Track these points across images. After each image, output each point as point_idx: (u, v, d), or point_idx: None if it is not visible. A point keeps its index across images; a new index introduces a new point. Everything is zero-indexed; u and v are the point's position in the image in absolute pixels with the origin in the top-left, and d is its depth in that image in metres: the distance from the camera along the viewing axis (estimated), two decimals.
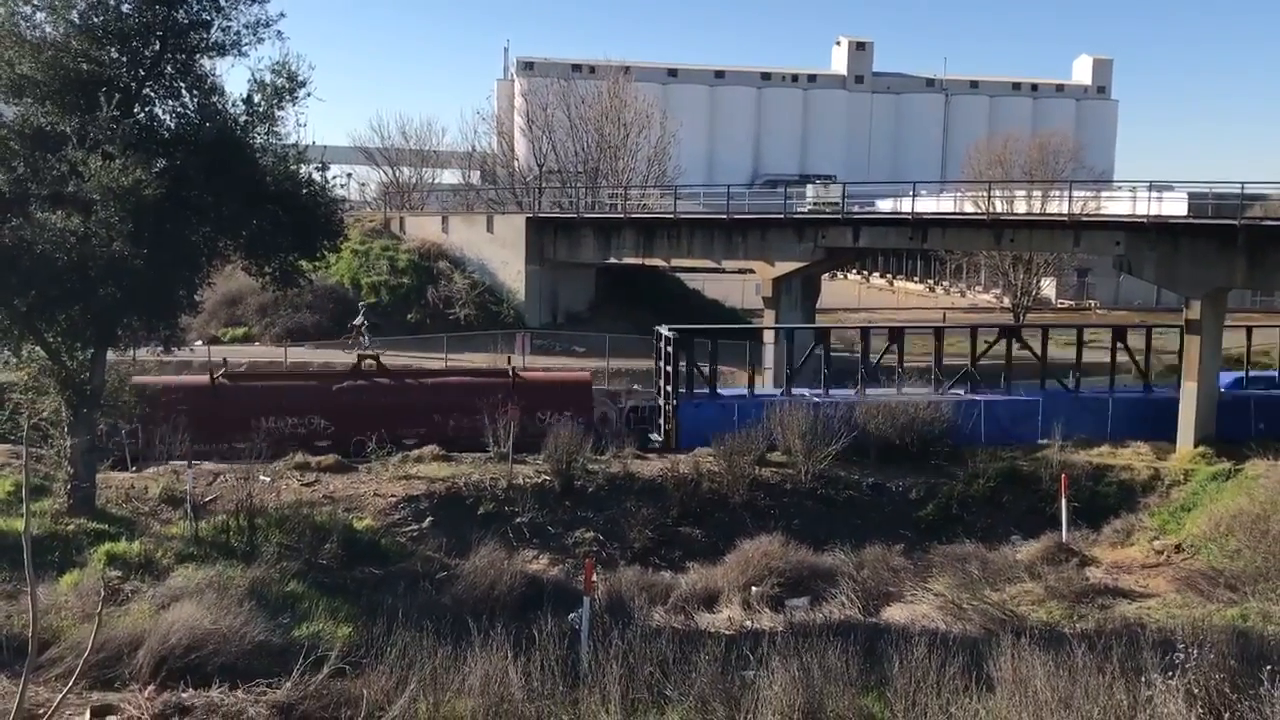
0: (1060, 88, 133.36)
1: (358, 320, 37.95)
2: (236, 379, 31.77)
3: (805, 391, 32.99)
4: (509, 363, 35.28)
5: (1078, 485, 27.56)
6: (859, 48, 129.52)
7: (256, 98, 21.33)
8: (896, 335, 35.67)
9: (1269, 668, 11.07)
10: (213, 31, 21.08)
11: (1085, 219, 37.21)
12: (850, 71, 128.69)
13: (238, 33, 21.19)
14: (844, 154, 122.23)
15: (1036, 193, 50.64)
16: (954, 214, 45.10)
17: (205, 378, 30.80)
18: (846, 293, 78.93)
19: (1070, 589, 21.79)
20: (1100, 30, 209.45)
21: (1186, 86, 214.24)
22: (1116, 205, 40.37)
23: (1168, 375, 36.65)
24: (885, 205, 53.07)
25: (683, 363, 32.88)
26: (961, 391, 33.52)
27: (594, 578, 18.81)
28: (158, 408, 26.41)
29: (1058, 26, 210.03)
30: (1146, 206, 35.13)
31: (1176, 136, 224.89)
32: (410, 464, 27.72)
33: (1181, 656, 11.57)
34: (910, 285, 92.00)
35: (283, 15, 21.42)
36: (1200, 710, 11.14)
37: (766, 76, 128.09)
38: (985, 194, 47.42)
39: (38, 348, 21.23)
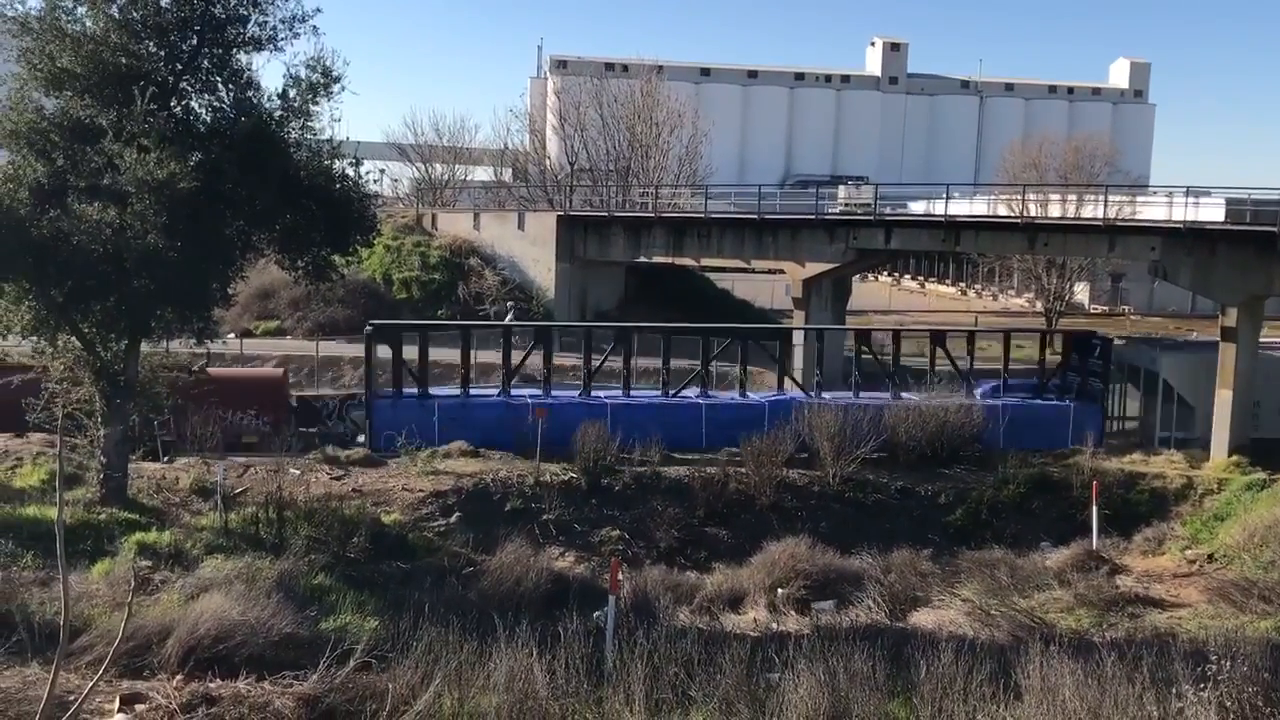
0: (1096, 91, 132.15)
1: (508, 318, 38.53)
2: None
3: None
4: None
5: (1109, 492, 27.30)
6: (893, 49, 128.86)
7: (291, 93, 21.48)
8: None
9: None
10: (249, 26, 21.26)
11: (1120, 223, 36.82)
12: (884, 72, 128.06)
13: (274, 28, 21.38)
14: (876, 155, 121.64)
15: (1071, 196, 50.13)
16: (987, 217, 44.71)
17: None
18: (877, 295, 78.58)
19: (1100, 597, 21.57)
20: (1138, 33, 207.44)
21: (1225, 91, 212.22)
22: (1152, 210, 39.92)
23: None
24: (918, 207, 52.72)
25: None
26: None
27: (620, 577, 18.80)
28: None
29: (1094, 29, 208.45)
30: (1183, 212, 34.71)
31: (1214, 142, 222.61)
32: (439, 459, 27.83)
33: (1214, 668, 11.41)
34: (942, 288, 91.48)
35: (319, 11, 21.60)
36: None
37: (800, 77, 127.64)
38: (1019, 197, 46.99)
39: (73, 338, 21.46)
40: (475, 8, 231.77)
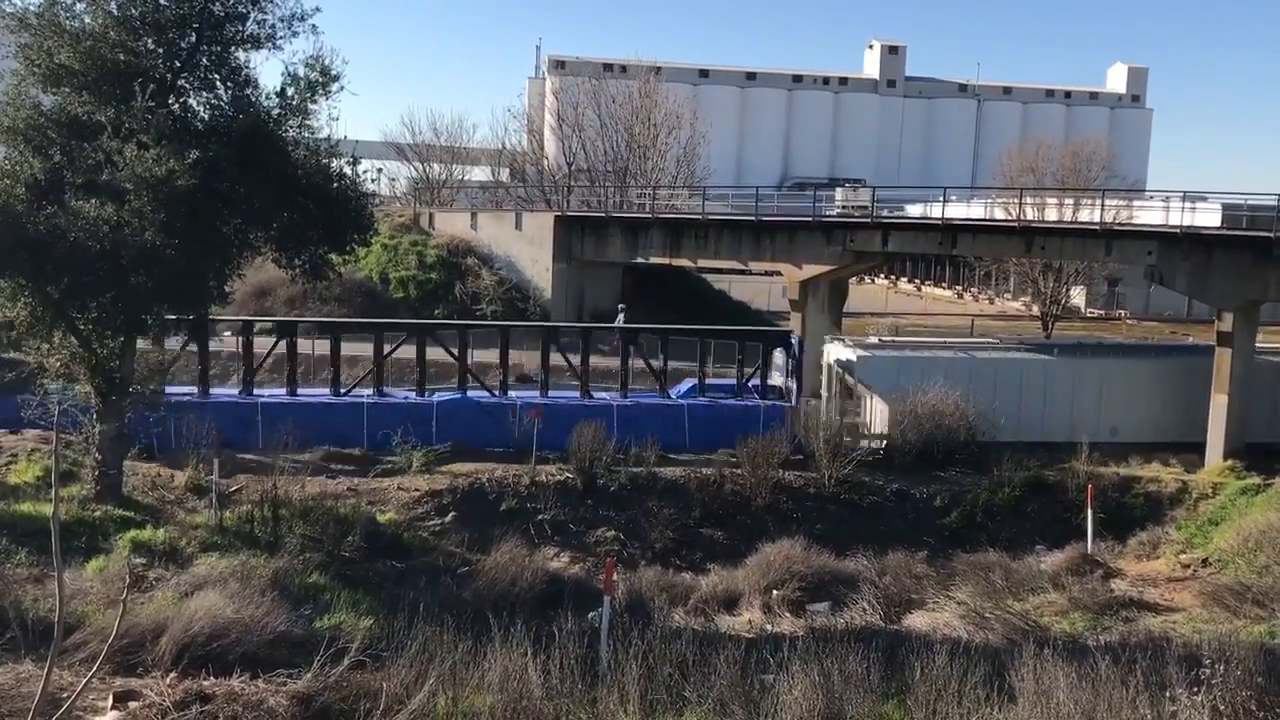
0: (1094, 95, 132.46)
1: (619, 320, 38.70)
2: None
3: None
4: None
5: (1104, 496, 27.34)
6: (891, 51, 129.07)
7: (290, 91, 21.46)
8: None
9: None
10: (248, 24, 21.24)
11: (1117, 227, 36.91)
12: (882, 75, 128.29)
13: (273, 26, 21.35)
14: (874, 158, 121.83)
15: (1068, 200, 50.26)
16: (984, 220, 44.78)
17: None
18: (874, 298, 78.64)
19: (1095, 601, 21.60)
20: (1135, 38, 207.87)
21: (1222, 96, 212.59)
22: (1149, 215, 40.03)
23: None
24: (915, 210, 52.85)
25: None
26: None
27: (615, 577, 18.80)
28: None
29: (1092, 34, 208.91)
30: (1180, 217, 34.81)
31: (1211, 147, 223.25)
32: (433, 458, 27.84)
33: (1207, 672, 11.41)
34: (939, 291, 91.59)
35: (318, 9, 21.59)
36: None
37: (798, 79, 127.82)
38: (1016, 200, 47.09)
39: (69, 335, 21.43)
40: (474, 8, 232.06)
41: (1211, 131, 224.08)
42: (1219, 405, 32.17)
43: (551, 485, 26.51)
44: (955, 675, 12.00)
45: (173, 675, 13.47)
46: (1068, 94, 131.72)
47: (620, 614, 17.51)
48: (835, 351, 34.83)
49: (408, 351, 33.09)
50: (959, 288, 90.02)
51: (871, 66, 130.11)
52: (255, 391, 30.75)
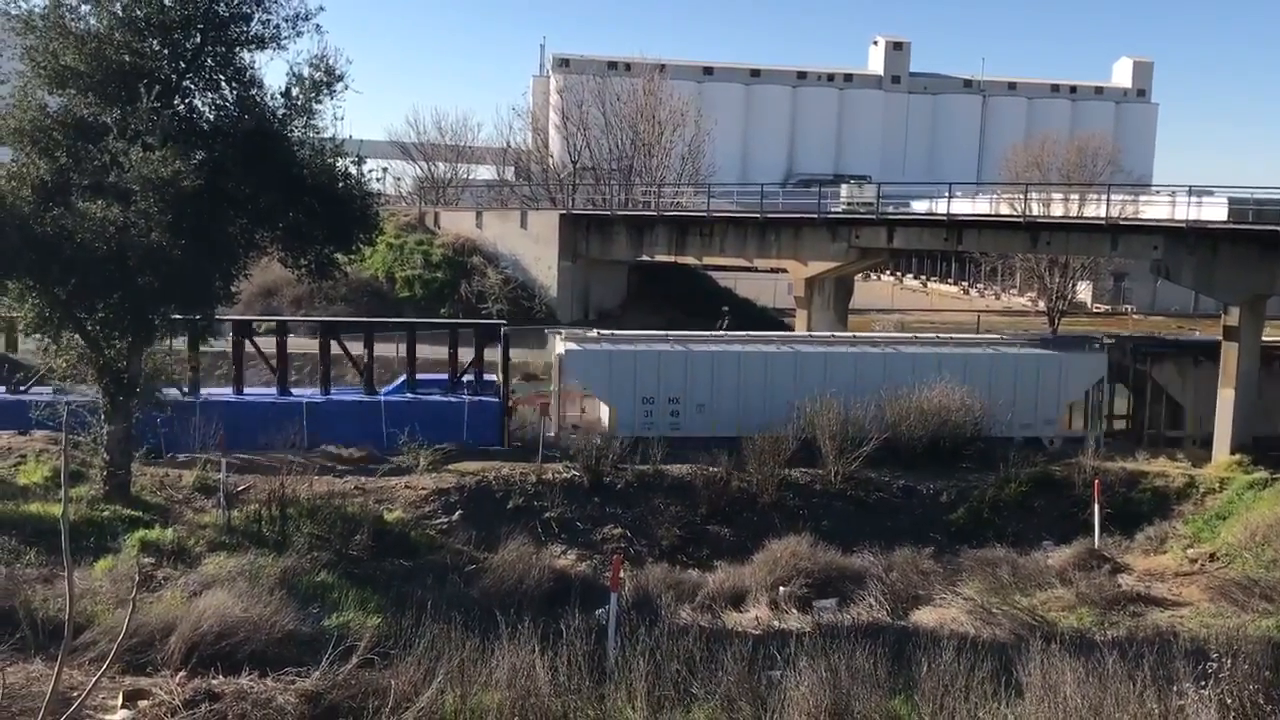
0: (1099, 90, 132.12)
1: (723, 322, 38.67)
2: None
3: None
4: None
5: (1111, 491, 27.33)
6: (896, 48, 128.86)
7: (295, 91, 21.49)
8: None
9: None
10: (253, 25, 21.26)
11: (1123, 222, 36.85)
12: (887, 71, 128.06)
13: (277, 26, 21.38)
14: (879, 154, 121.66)
15: (1074, 195, 50.16)
16: (990, 216, 44.73)
17: None
18: (880, 294, 78.58)
19: (1102, 596, 21.60)
20: (1141, 33, 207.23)
21: (1228, 91, 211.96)
22: (1155, 209, 39.94)
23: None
24: (920, 206, 52.76)
25: None
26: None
27: (621, 574, 18.82)
28: None
29: (1098, 28, 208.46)
30: (1185, 211, 34.75)
31: (1217, 141, 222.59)
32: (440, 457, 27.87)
33: (1215, 666, 11.41)
34: (944, 287, 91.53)
35: (322, 9, 21.59)
36: None
37: (802, 76, 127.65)
38: (1022, 196, 47.03)
39: (76, 335, 21.49)
40: (478, 6, 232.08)
41: (1218, 126, 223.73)
42: (1226, 400, 32.12)
43: (558, 483, 26.55)
44: (962, 671, 12.01)
45: (182, 674, 13.53)
46: (1073, 89, 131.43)
47: (627, 611, 17.55)
48: (558, 346, 33.14)
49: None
50: (965, 284, 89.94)
51: (876, 63, 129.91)
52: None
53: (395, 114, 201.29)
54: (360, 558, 21.34)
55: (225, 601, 15.44)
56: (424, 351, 33.95)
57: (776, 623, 20.23)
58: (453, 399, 31.58)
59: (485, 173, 79.49)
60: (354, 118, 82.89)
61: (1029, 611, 20.28)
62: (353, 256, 24.36)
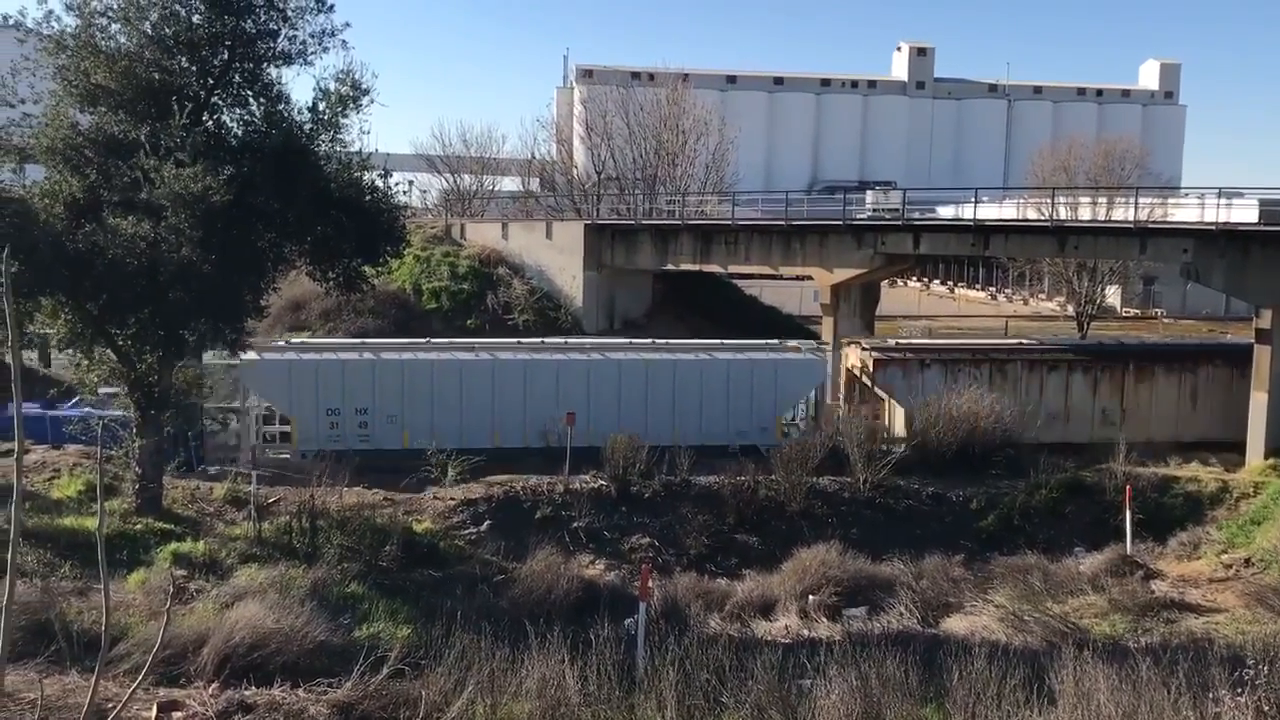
0: (1126, 93, 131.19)
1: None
2: None
3: None
4: None
5: (1143, 497, 27.08)
6: (920, 53, 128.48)
7: (321, 105, 21.68)
8: None
9: None
10: (279, 41, 21.48)
11: (1152, 225, 36.54)
12: (911, 77, 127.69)
13: (304, 42, 21.60)
14: (904, 160, 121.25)
15: (1101, 199, 49.82)
16: (1017, 220, 44.47)
17: None
18: (907, 300, 78.26)
19: (1135, 602, 21.41)
20: (1168, 35, 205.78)
21: (1257, 92, 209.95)
22: (1184, 212, 39.61)
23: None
24: (946, 212, 52.57)
25: None
26: None
27: (650, 584, 18.82)
28: None
29: (1123, 31, 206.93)
30: (1215, 213, 34.43)
31: (1246, 143, 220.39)
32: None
33: (1251, 673, 11.29)
34: (972, 293, 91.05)
35: (348, 24, 21.80)
36: None
37: (826, 83, 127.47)
38: (1049, 200, 46.73)
39: (108, 350, 21.73)
40: (502, 19, 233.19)
41: (1247, 127, 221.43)
42: (1259, 404, 31.76)
43: (585, 493, 26.56)
44: (994, 678, 11.94)
45: (215, 685, 13.63)
46: (1099, 92, 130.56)
47: (656, 620, 17.55)
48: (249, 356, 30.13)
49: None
50: (992, 289, 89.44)
51: (900, 69, 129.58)
52: None
53: (420, 127, 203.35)
54: (390, 569, 21.45)
55: (257, 613, 15.56)
56: None
57: (806, 631, 20.17)
58: None
59: (510, 184, 79.75)
60: (379, 131, 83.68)
61: (1061, 618, 20.12)
62: (380, 269, 24.51)
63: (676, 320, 49.28)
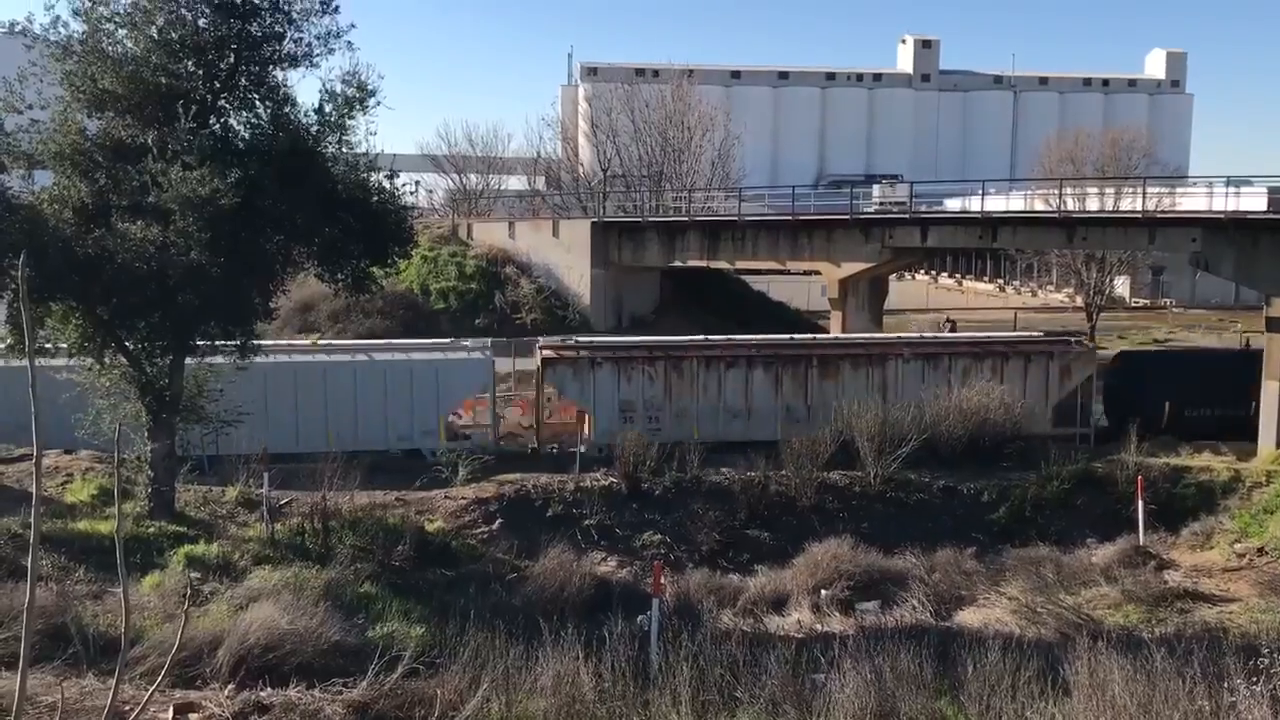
0: (1132, 83, 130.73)
1: (947, 330, 38.43)
2: None
3: None
4: None
5: (1155, 487, 27.01)
6: (925, 46, 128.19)
7: (328, 108, 21.70)
8: None
9: None
10: (285, 43, 21.49)
11: (1160, 215, 36.45)
12: (916, 70, 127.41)
13: (309, 44, 21.59)
14: (910, 153, 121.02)
15: (1109, 189, 49.70)
16: (1024, 212, 44.39)
17: None
18: (915, 293, 78.19)
19: (1148, 593, 21.39)
20: (1173, 23, 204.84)
21: (1264, 80, 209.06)
22: (1192, 201, 39.52)
23: None
24: (953, 204, 52.49)
25: None
26: None
27: (663, 580, 18.85)
28: None
29: (1129, 20, 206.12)
30: (1224, 202, 34.35)
31: (1254, 131, 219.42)
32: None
33: (1266, 662, 11.29)
34: (980, 285, 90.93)
35: (353, 26, 21.77)
36: None
37: (831, 76, 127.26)
38: (1056, 191, 46.66)
39: (119, 355, 21.81)
40: (505, 18, 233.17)
41: (1255, 115, 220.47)
42: (1270, 392, 31.67)
43: (596, 490, 26.60)
44: (1008, 670, 11.96)
45: (230, 686, 13.69)
46: (1105, 82, 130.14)
47: (669, 617, 17.57)
48: None
49: None
50: (1000, 281, 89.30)
51: (905, 61, 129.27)
52: None
53: (426, 127, 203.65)
54: (403, 568, 21.49)
55: (271, 614, 15.61)
56: None
57: (819, 626, 20.18)
58: None
59: (516, 183, 79.82)
60: (385, 131, 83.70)
61: (1074, 610, 20.11)
62: (388, 270, 24.54)
63: (685, 316, 49.31)
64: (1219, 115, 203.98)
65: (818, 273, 49.44)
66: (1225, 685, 11.06)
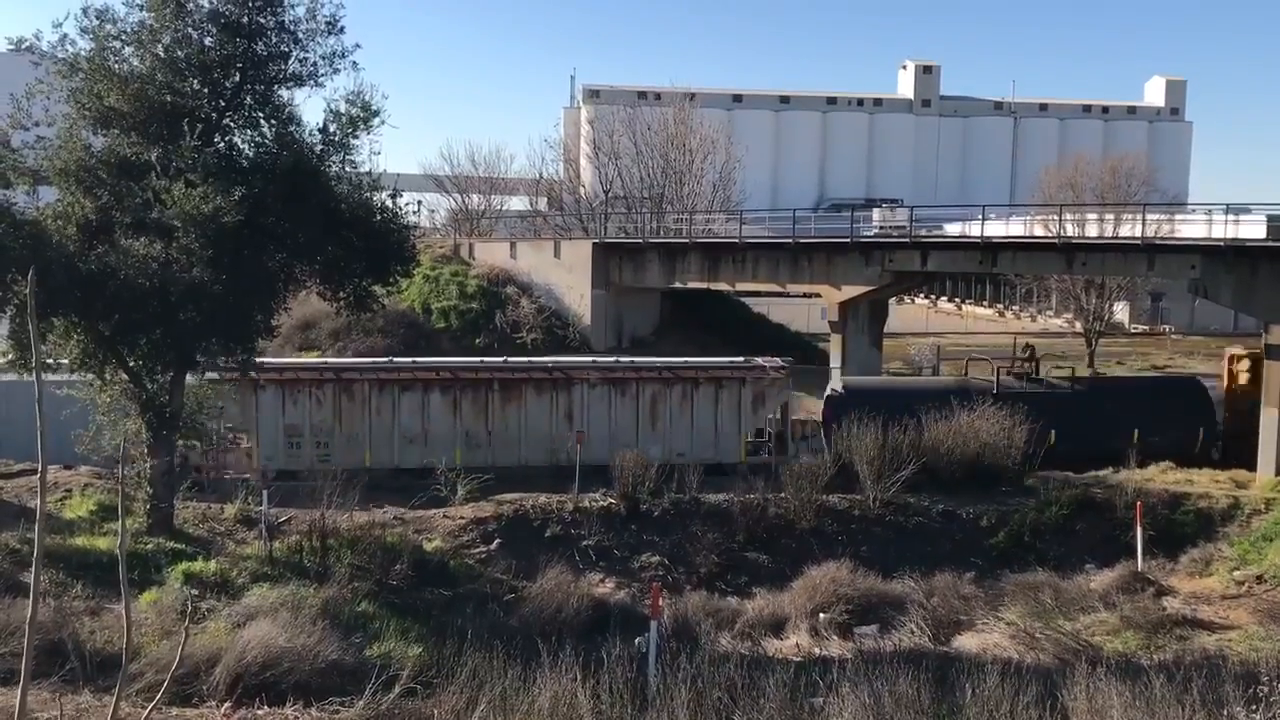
0: (1132, 110, 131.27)
1: (1025, 354, 38.10)
2: None
3: None
4: None
5: (1154, 513, 26.98)
6: (925, 71, 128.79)
7: (332, 127, 21.84)
8: None
9: None
10: (290, 63, 21.67)
11: (1159, 242, 36.55)
12: (917, 95, 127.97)
13: (314, 64, 21.77)
14: (910, 178, 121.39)
15: (1108, 216, 49.87)
16: (1024, 237, 44.52)
17: None
18: (914, 317, 78.29)
19: (1147, 619, 21.33)
20: (1173, 51, 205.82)
21: (1264, 108, 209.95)
22: (1191, 228, 39.61)
23: None
24: (953, 229, 52.62)
25: None
26: None
27: (661, 602, 18.82)
28: None
29: (1129, 48, 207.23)
30: (1223, 229, 34.46)
31: (1253, 159, 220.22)
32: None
33: (1265, 690, 11.28)
34: (979, 310, 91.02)
35: (358, 46, 21.97)
36: None
37: (832, 101, 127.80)
38: (1056, 217, 46.80)
39: (120, 371, 21.84)
40: (509, 40, 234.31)
41: (1254, 144, 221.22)
42: (1269, 419, 31.69)
43: (595, 511, 26.56)
44: (1007, 696, 11.94)
45: (227, 704, 13.66)
46: (1105, 109, 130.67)
47: (667, 639, 17.53)
48: None
49: None
50: (1000, 306, 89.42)
51: (906, 87, 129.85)
52: None
53: (429, 147, 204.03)
54: (400, 587, 21.45)
55: (269, 632, 15.59)
56: None
57: (817, 649, 20.14)
58: None
59: (518, 204, 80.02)
60: (388, 151, 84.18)
61: (1073, 635, 20.06)
62: (390, 289, 24.61)
63: (685, 338, 49.41)
64: (1218, 142, 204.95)
65: (818, 295, 49.51)
66: (1224, 712, 11.05)
